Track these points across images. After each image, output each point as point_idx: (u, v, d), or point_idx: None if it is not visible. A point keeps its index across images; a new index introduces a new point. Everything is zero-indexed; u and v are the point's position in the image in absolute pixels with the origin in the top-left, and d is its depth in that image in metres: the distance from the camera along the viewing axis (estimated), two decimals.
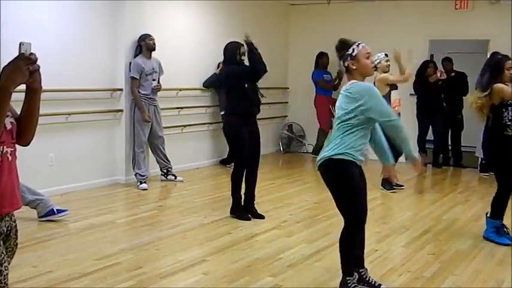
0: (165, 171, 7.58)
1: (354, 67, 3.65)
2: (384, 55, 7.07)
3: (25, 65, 1.95)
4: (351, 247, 3.73)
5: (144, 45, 7.18)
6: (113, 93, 7.25)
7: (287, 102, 10.98)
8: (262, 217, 5.80)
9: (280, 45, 10.75)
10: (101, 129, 7.16)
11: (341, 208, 3.71)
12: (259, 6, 9.88)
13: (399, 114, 6.80)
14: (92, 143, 7.05)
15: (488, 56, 8.89)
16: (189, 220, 5.71)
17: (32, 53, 1.98)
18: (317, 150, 10.19)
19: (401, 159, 7.45)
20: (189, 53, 8.42)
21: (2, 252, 2.13)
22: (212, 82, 8.65)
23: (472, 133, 9.49)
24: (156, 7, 7.70)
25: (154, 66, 7.25)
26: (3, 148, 2.10)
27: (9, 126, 2.13)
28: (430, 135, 9.47)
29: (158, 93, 7.35)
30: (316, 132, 10.25)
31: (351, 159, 3.59)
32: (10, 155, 2.13)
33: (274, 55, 10.42)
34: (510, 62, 5.04)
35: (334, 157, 3.61)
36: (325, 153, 3.68)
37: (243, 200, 5.84)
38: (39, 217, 5.40)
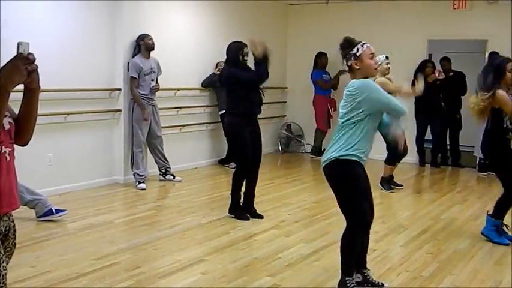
0: (163, 171, 7.58)
1: (357, 67, 3.64)
2: (384, 57, 7.01)
3: (23, 65, 1.95)
4: (352, 248, 3.71)
5: (143, 45, 7.18)
6: (111, 93, 7.25)
7: (285, 102, 10.98)
8: (261, 217, 5.80)
9: (279, 45, 10.73)
10: (99, 129, 7.16)
11: (344, 209, 3.69)
12: (257, 6, 9.87)
13: None
14: (90, 143, 7.05)
15: (487, 56, 8.98)
16: (188, 220, 5.71)
17: (30, 53, 1.98)
18: (315, 150, 10.22)
19: (403, 160, 7.52)
20: (187, 53, 8.42)
21: (0, 252, 2.13)
22: (211, 82, 8.65)
23: (471, 133, 9.50)
24: (154, 7, 7.70)
25: (153, 66, 7.25)
26: (1, 148, 2.10)
27: (7, 126, 2.13)
28: (428, 135, 9.48)
29: (157, 93, 7.35)
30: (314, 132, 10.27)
31: (357, 159, 3.59)
32: (8, 155, 2.13)
33: (273, 55, 10.37)
34: (511, 64, 5.02)
35: (340, 158, 3.60)
36: (330, 154, 3.67)
37: (242, 199, 5.84)
38: (38, 217, 5.39)
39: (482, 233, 5.20)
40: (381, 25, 9.93)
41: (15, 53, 1.97)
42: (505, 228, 5.16)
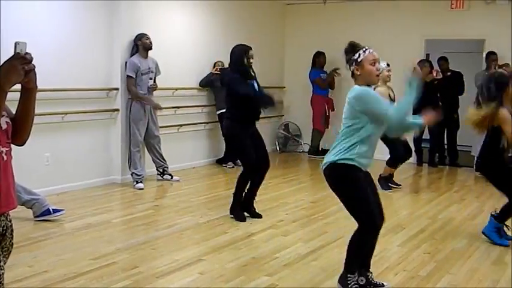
0: (161, 170, 7.58)
1: (358, 72, 3.62)
2: (385, 64, 6.98)
3: (20, 65, 1.95)
4: (361, 249, 3.73)
5: (141, 45, 7.18)
6: (108, 93, 7.25)
7: (283, 102, 10.98)
8: (260, 216, 5.79)
9: (277, 44, 10.75)
10: (96, 128, 7.15)
11: (351, 211, 3.68)
12: (255, 6, 9.87)
13: None
14: (87, 143, 7.04)
15: (484, 56, 9.00)
16: (185, 220, 5.71)
17: (27, 53, 1.98)
18: (313, 150, 10.23)
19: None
20: (185, 53, 8.42)
21: None
22: (208, 81, 8.65)
23: (468, 132, 9.49)
24: (152, 7, 7.69)
25: (151, 66, 7.24)
26: None
27: (4, 126, 2.12)
28: (426, 135, 9.48)
29: (154, 92, 7.34)
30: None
31: (355, 164, 3.58)
32: (5, 154, 2.13)
33: (271, 54, 10.44)
34: None
35: (338, 162, 3.60)
36: (329, 157, 3.67)
37: (243, 197, 5.82)
38: (35, 217, 5.39)
39: (483, 232, 5.18)
40: (379, 25, 9.95)
41: (12, 53, 1.97)
42: (505, 228, 5.17)
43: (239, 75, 5.63)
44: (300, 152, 10.69)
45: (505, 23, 8.85)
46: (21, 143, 2.25)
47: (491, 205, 5.78)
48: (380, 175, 7.31)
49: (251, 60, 5.70)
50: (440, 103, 9.26)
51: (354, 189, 3.63)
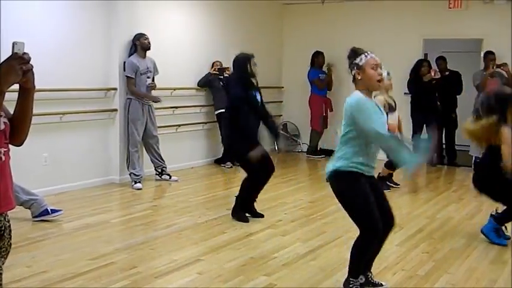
0: (159, 170, 7.58)
1: (359, 77, 3.58)
2: (386, 73, 6.87)
3: (18, 65, 1.95)
4: (363, 256, 3.72)
5: (139, 45, 7.18)
6: (107, 93, 7.24)
7: (281, 102, 10.98)
8: (262, 216, 5.79)
9: (275, 44, 10.75)
10: (95, 128, 7.15)
11: (353, 219, 3.67)
12: (253, 6, 9.87)
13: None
14: (86, 143, 7.04)
15: (482, 55, 9.01)
16: (184, 220, 5.71)
17: (25, 53, 1.98)
18: (311, 149, 10.23)
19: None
20: (183, 53, 8.42)
21: None
22: (207, 81, 8.65)
23: None
24: (150, 7, 7.69)
25: (149, 66, 7.24)
26: None
27: (2, 127, 2.12)
28: (424, 134, 9.48)
29: (153, 92, 7.34)
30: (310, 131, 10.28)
31: (356, 170, 3.57)
32: (3, 155, 2.13)
33: (269, 54, 10.43)
34: None
35: (339, 169, 3.59)
36: (331, 165, 3.66)
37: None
38: (33, 217, 5.38)
39: (481, 231, 5.18)
40: (377, 25, 9.96)
41: (10, 53, 1.97)
42: (503, 228, 5.17)
43: (242, 84, 5.61)
44: (298, 151, 10.69)
45: (503, 22, 8.86)
46: (19, 143, 2.24)
47: (489, 204, 5.77)
48: (379, 174, 7.30)
49: (255, 68, 5.66)
50: (438, 103, 9.28)
51: (354, 196, 3.61)
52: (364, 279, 3.83)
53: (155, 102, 7.32)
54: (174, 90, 8.18)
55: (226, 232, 5.28)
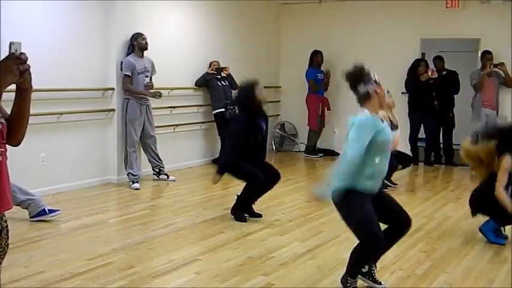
0: (157, 170, 7.57)
1: (379, 91, 3.59)
2: (386, 92, 6.78)
3: (15, 65, 1.95)
4: (363, 262, 3.76)
5: (136, 45, 7.17)
6: (104, 93, 7.24)
7: (279, 101, 10.98)
8: (260, 216, 5.79)
9: (272, 44, 10.75)
10: (92, 128, 7.14)
11: (355, 234, 3.69)
12: (250, 6, 9.87)
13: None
14: (83, 143, 7.03)
15: (479, 55, 9.02)
16: (182, 219, 5.71)
17: (22, 53, 1.98)
18: (309, 149, 10.23)
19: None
20: (181, 52, 8.41)
21: None
22: (204, 81, 8.65)
23: (464, 131, 9.52)
24: (147, 6, 7.68)
25: (147, 66, 7.24)
26: None
27: None
28: (421, 134, 9.51)
29: (150, 91, 7.32)
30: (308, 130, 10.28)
31: (357, 188, 3.57)
32: (1, 155, 2.13)
33: (266, 54, 10.44)
34: None
35: (341, 188, 3.59)
36: (333, 184, 3.65)
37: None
38: (31, 217, 5.38)
39: (479, 229, 5.17)
40: (374, 24, 9.97)
41: (7, 53, 1.96)
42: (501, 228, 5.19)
43: (247, 115, 5.59)
44: (296, 151, 10.70)
45: (500, 22, 8.88)
46: (16, 143, 2.24)
47: None
48: None
49: (261, 94, 5.66)
50: (435, 102, 9.29)
51: (355, 217, 3.63)
52: (367, 269, 3.84)
53: (156, 98, 7.29)
54: (172, 90, 8.18)
55: (224, 232, 5.28)
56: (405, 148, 8.66)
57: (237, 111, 5.73)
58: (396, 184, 7.56)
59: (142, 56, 7.22)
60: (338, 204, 3.69)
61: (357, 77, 3.63)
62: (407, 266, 4.43)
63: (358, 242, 3.70)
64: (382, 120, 3.70)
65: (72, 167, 6.85)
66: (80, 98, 6.88)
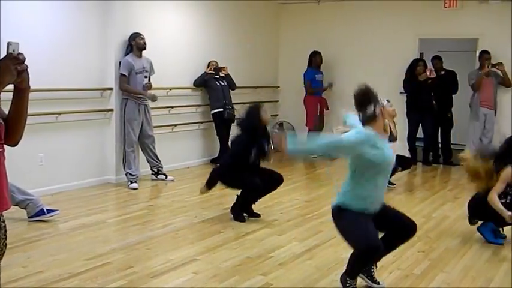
0: (155, 170, 7.57)
1: (383, 111, 3.65)
2: (386, 101, 6.70)
3: (13, 65, 1.95)
4: (361, 266, 3.77)
5: (135, 45, 7.16)
6: (102, 93, 7.23)
7: (277, 101, 10.98)
8: (258, 216, 5.79)
9: (271, 44, 10.75)
10: (91, 128, 7.14)
11: (352, 248, 3.72)
12: (249, 6, 9.87)
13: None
14: (82, 143, 7.03)
15: (478, 54, 9.03)
16: (180, 219, 5.71)
17: (20, 53, 1.98)
18: None
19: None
20: (179, 52, 8.41)
21: None
22: (202, 81, 8.65)
23: (462, 131, 9.56)
24: (146, 6, 7.68)
25: (145, 66, 7.24)
26: None
27: None
28: (420, 133, 9.51)
29: (149, 91, 7.32)
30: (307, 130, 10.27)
31: (353, 208, 3.62)
32: None
33: (265, 54, 10.44)
34: None
35: (340, 205, 3.67)
36: (336, 199, 3.73)
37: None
38: (29, 217, 5.37)
39: (478, 230, 5.19)
40: (373, 24, 9.98)
41: (4, 53, 1.96)
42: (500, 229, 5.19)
43: (250, 136, 5.67)
44: None
45: (498, 22, 8.90)
46: (13, 143, 2.24)
47: None
48: None
49: (266, 116, 5.77)
50: (434, 102, 9.29)
51: (350, 235, 3.66)
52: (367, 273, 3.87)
53: (152, 101, 7.31)
54: (170, 90, 8.17)
55: (222, 232, 5.28)
56: (403, 148, 8.67)
57: (239, 132, 5.82)
58: (394, 184, 7.56)
59: (140, 56, 7.21)
60: (334, 220, 3.77)
61: (366, 98, 3.63)
62: (405, 266, 4.43)
63: None
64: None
65: (70, 167, 6.85)
66: (78, 98, 6.87)
